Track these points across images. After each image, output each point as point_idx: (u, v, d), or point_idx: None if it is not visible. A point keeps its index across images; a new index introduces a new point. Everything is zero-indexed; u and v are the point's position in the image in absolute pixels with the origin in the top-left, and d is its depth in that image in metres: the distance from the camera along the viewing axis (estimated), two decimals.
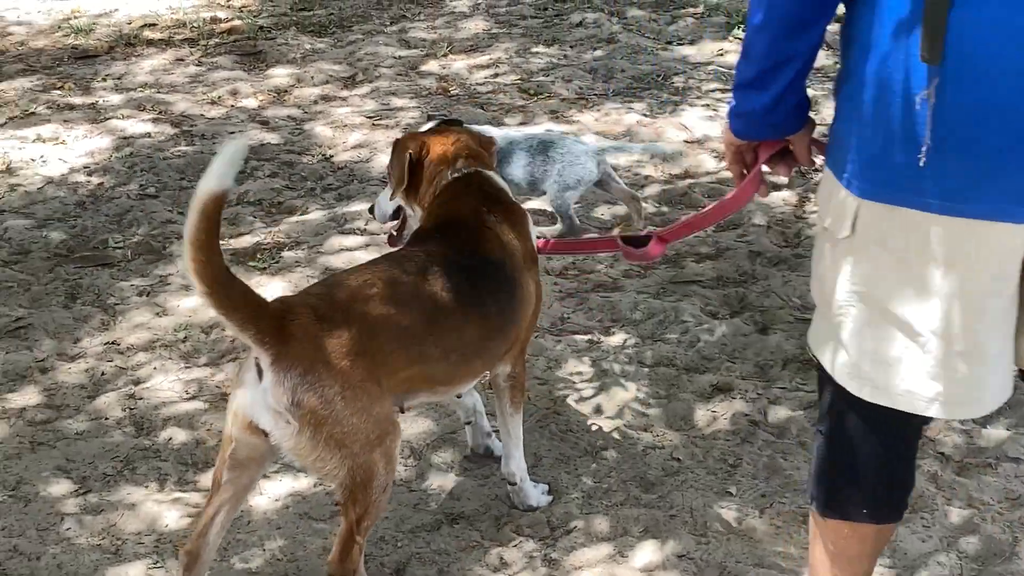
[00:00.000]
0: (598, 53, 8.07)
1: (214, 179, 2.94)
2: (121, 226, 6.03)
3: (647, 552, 3.82)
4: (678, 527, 3.93)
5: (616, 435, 4.39)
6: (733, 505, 4.03)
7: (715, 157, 6.56)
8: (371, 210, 4.33)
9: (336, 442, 3.21)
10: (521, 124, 7.01)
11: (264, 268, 5.63)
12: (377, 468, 3.31)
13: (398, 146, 3.96)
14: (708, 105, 7.17)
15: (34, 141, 7.02)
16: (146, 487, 4.29)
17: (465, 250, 3.74)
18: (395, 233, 4.22)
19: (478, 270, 3.71)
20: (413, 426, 4.46)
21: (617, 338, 4.96)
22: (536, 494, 4.03)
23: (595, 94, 7.40)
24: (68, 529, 4.08)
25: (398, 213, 4.19)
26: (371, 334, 3.34)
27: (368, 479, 3.30)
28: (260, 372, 3.18)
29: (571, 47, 8.21)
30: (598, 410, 4.54)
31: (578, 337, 4.99)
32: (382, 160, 6.61)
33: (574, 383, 4.69)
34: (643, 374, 4.72)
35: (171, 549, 3.94)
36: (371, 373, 3.28)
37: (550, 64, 7.89)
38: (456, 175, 3.89)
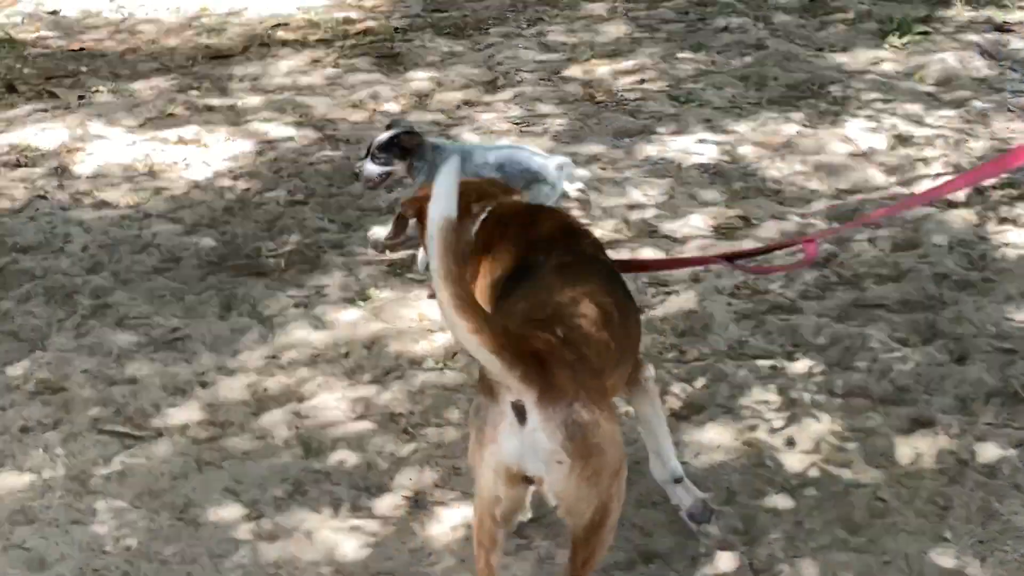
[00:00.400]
0: (747, 59, 7.80)
1: (445, 205, 2.73)
2: (272, 234, 5.88)
3: None
4: (892, 575, 3.67)
5: (814, 471, 4.14)
6: (950, 552, 3.77)
7: (884, 171, 6.27)
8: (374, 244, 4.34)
9: (596, 475, 2.99)
10: (673, 133, 6.77)
11: (423, 280, 5.44)
12: (613, 503, 3.10)
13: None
14: (870, 116, 6.87)
15: (175, 143, 6.90)
16: (319, 512, 4.12)
17: (596, 254, 3.64)
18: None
19: (612, 270, 3.61)
20: None
21: (802, 364, 4.71)
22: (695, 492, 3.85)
23: (748, 103, 7.12)
24: (243, 557, 3.92)
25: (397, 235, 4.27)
26: (597, 351, 3.14)
27: (604, 517, 3.08)
28: (521, 414, 2.94)
29: (718, 53, 7.95)
30: (790, 442, 4.30)
31: (760, 362, 4.74)
32: None
33: (762, 413, 4.45)
34: (835, 405, 4.46)
35: None
36: (607, 394, 3.09)
37: (698, 71, 7.63)
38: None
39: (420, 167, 5.30)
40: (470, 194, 3.60)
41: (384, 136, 5.33)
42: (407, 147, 5.31)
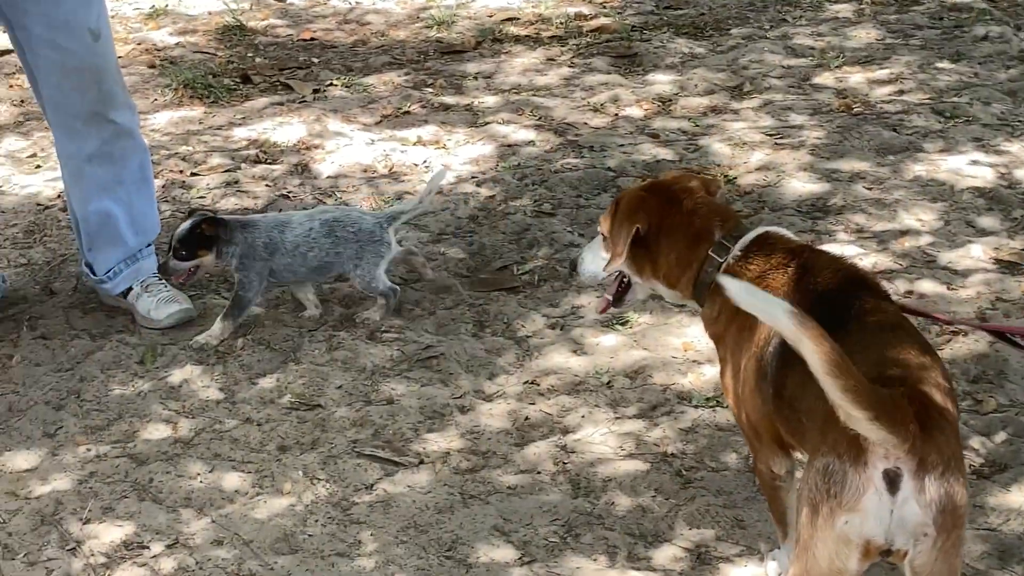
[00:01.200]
0: (1012, 72, 7.31)
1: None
2: (520, 246, 5.64)
3: None
4: None
5: None
6: None
7: None
8: (574, 266, 3.96)
9: (955, 546, 2.75)
10: (941, 151, 6.34)
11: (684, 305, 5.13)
12: (959, 573, 2.81)
13: (622, 210, 3.64)
14: None
15: (414, 143, 6.72)
16: (594, 559, 3.87)
17: (892, 303, 3.37)
18: (611, 299, 3.90)
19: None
20: None
21: None
22: None
23: (1020, 120, 6.65)
24: None
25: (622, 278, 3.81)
26: (953, 413, 2.88)
27: None
28: (893, 483, 2.67)
29: (979, 63, 7.47)
30: None
31: None
32: (792, 186, 6.05)
33: None
34: None
35: None
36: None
37: (960, 83, 7.17)
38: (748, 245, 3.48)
39: (230, 251, 4.92)
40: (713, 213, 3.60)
41: (183, 228, 4.91)
42: (209, 236, 4.93)
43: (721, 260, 3.49)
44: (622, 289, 3.84)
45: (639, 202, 3.63)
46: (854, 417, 2.61)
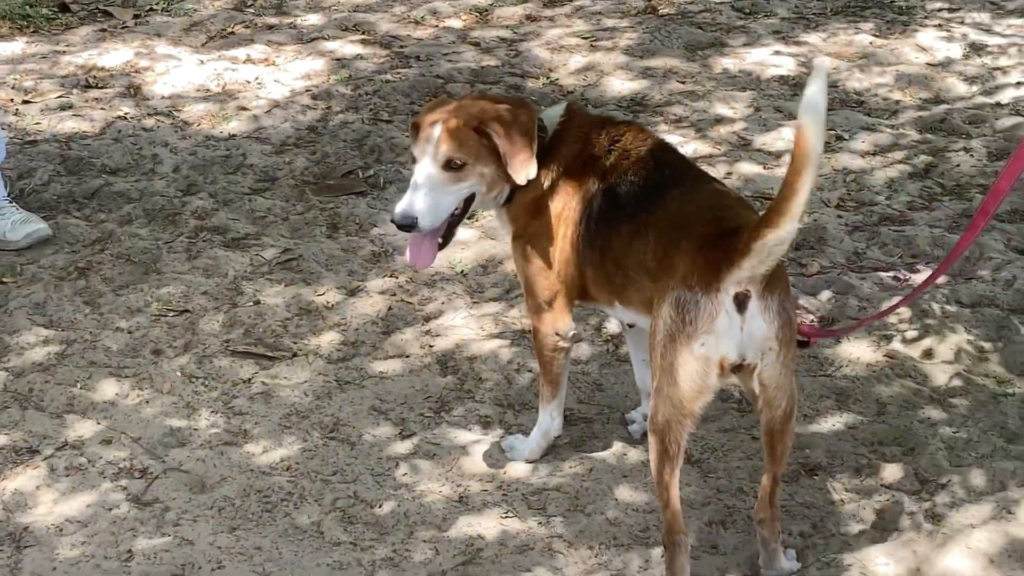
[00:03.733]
0: None
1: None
2: (363, 153, 5.84)
3: None
4: None
5: (958, 381, 4.19)
6: None
7: (965, 81, 6.29)
8: (410, 223, 3.50)
9: (791, 362, 3.17)
10: (745, 45, 6.74)
11: None
12: (795, 393, 3.26)
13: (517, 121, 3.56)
14: (939, 25, 6.87)
15: (245, 62, 6.82)
16: (469, 429, 4.14)
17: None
18: (441, 240, 3.67)
19: None
20: None
21: (925, 276, 4.73)
22: None
23: (814, 13, 7.10)
24: (404, 475, 3.94)
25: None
26: None
27: (792, 406, 3.24)
28: (740, 305, 3.04)
29: None
30: (929, 354, 4.34)
31: (882, 274, 4.78)
32: (612, 84, 6.38)
33: (895, 324, 4.48)
34: (966, 315, 4.50)
35: (524, 500, 3.80)
36: None
37: None
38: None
39: None
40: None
41: None
42: None
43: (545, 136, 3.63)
44: (452, 224, 3.64)
45: (512, 112, 3.54)
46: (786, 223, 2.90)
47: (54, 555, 3.63)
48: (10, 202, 5.19)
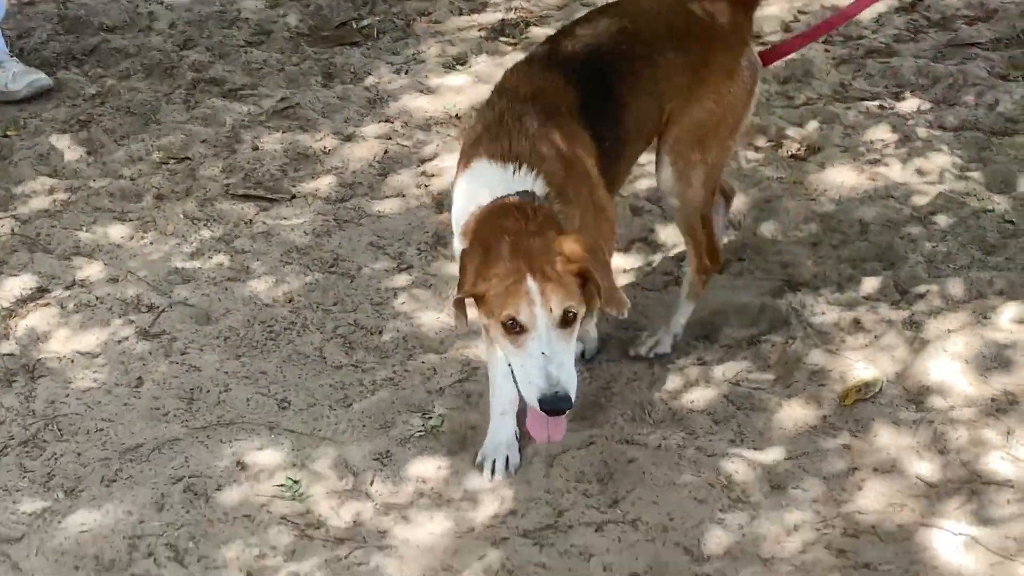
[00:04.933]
0: None
1: None
2: (356, 4, 5.90)
3: (1010, 313, 3.76)
4: None
5: (941, 200, 4.29)
6: None
7: None
8: (567, 405, 2.90)
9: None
10: None
11: (515, 44, 5.51)
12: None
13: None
14: None
15: None
16: None
17: None
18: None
19: None
20: None
21: (910, 103, 4.84)
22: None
23: None
24: (403, 304, 4.08)
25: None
26: None
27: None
28: None
29: None
30: (913, 176, 4.44)
31: (867, 103, 4.86)
32: None
33: (880, 149, 4.58)
34: (949, 138, 4.60)
35: None
36: None
37: None
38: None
39: None
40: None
41: None
42: None
43: None
44: None
45: (592, 248, 3.03)
46: None
47: (67, 385, 3.79)
48: (11, 56, 5.28)
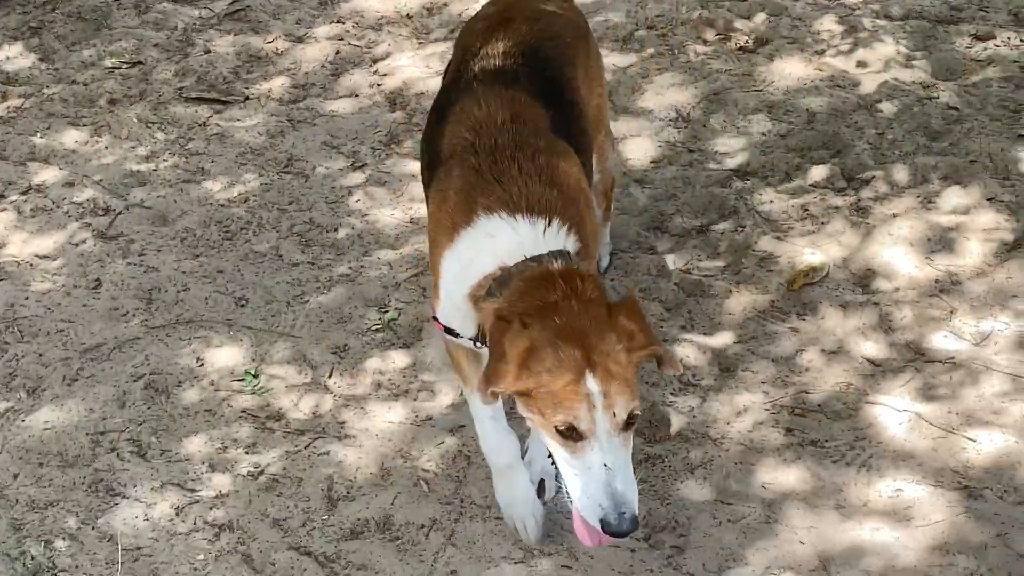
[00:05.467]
0: None
1: None
2: None
3: (954, 197, 3.84)
4: (979, 171, 3.94)
5: (887, 88, 4.35)
6: None
7: None
8: (635, 526, 2.48)
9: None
10: None
11: None
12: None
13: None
14: None
15: None
16: (417, 159, 4.29)
17: None
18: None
19: None
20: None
21: None
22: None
23: None
24: (358, 202, 4.11)
25: None
26: None
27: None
28: None
29: None
30: (860, 64, 4.49)
31: None
32: None
33: (827, 40, 4.62)
34: (895, 28, 4.64)
35: None
36: None
37: None
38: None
39: None
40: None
41: None
42: None
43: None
44: None
45: (645, 332, 2.56)
46: None
47: (26, 287, 3.82)
48: None
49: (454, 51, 3.29)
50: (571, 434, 2.39)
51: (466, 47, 3.14)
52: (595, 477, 2.40)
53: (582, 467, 2.42)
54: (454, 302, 2.69)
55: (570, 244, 2.60)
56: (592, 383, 2.36)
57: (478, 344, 2.68)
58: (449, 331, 2.77)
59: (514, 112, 2.80)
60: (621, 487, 2.39)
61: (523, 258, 2.55)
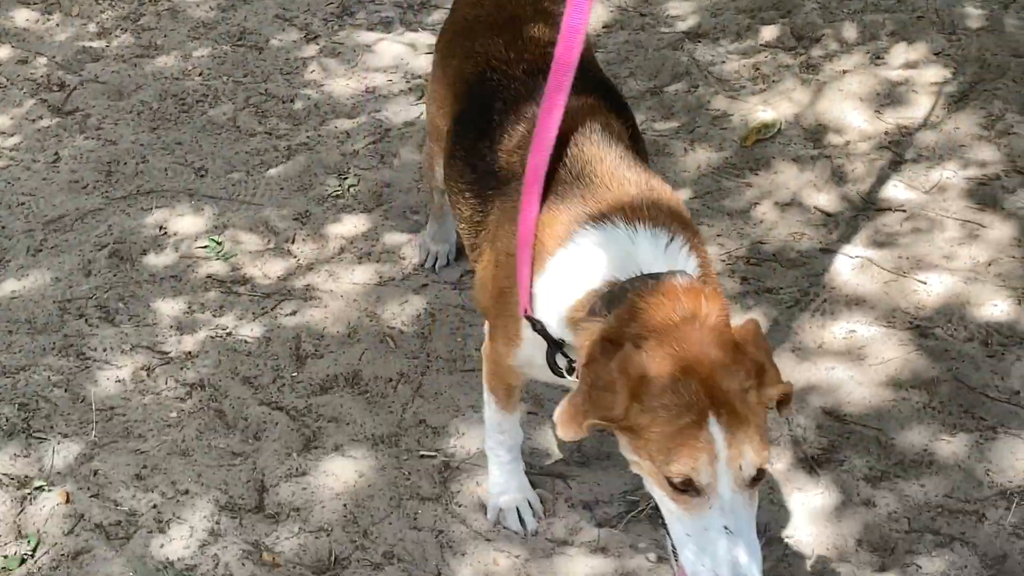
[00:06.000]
0: None
1: None
2: None
3: (902, 53, 3.90)
4: (926, 27, 4.00)
5: None
6: None
7: None
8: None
9: None
10: None
11: None
12: None
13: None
14: None
15: None
16: (372, 31, 4.31)
17: None
18: None
19: None
20: None
21: None
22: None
23: None
24: (313, 72, 4.13)
25: None
26: None
27: None
28: None
29: None
30: None
31: None
32: None
33: None
34: None
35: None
36: None
37: None
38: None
39: None
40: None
41: None
42: None
43: None
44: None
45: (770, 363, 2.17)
46: None
47: None
48: None
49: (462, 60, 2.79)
50: (687, 488, 2.02)
51: (510, 38, 2.70)
52: (713, 542, 2.04)
53: (696, 528, 2.06)
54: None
55: (691, 266, 2.20)
56: (716, 428, 1.98)
57: (568, 375, 2.29)
58: (555, 369, 2.33)
59: (588, 123, 2.40)
60: (745, 558, 2.02)
61: (639, 273, 2.16)
